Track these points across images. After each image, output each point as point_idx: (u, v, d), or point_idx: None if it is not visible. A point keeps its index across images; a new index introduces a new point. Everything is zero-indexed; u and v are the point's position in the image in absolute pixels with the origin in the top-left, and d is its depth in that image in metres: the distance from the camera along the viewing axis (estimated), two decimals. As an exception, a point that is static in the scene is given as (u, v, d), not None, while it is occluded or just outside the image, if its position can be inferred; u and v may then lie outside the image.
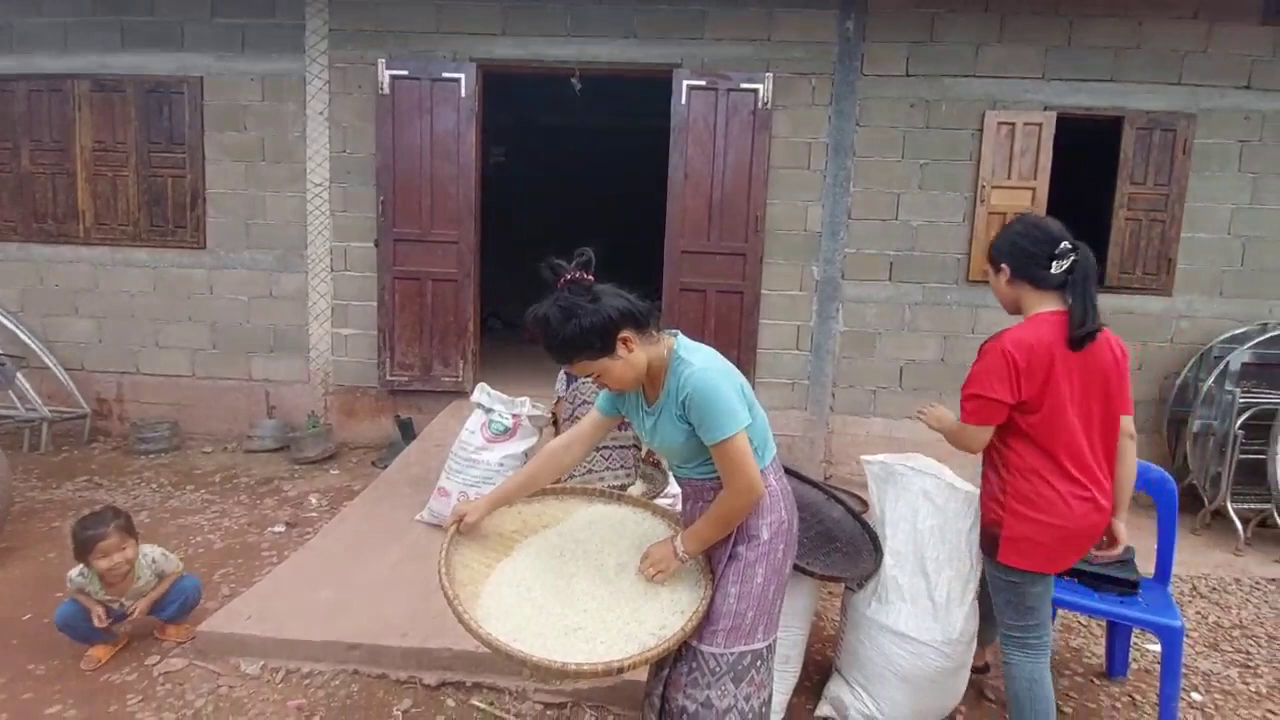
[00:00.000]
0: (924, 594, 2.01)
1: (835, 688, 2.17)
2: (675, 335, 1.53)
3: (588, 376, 1.50)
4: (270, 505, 3.68)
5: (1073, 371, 1.69)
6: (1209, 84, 4.14)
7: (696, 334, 1.60)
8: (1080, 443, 1.71)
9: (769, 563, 1.53)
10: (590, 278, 1.46)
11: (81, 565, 2.24)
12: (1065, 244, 1.71)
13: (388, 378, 4.60)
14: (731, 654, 1.49)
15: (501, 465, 2.96)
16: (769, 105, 4.21)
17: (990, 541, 1.80)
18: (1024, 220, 1.83)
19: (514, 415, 3.04)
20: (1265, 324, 4.05)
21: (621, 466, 2.54)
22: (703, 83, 4.22)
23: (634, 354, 1.45)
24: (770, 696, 1.58)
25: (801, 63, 4.23)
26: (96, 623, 2.21)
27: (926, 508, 2.03)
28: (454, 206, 4.46)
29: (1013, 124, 4.19)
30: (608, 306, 1.42)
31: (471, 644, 2.20)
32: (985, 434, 1.77)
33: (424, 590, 2.56)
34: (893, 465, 2.12)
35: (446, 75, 4.32)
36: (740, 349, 4.34)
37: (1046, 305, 1.74)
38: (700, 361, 1.46)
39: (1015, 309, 1.85)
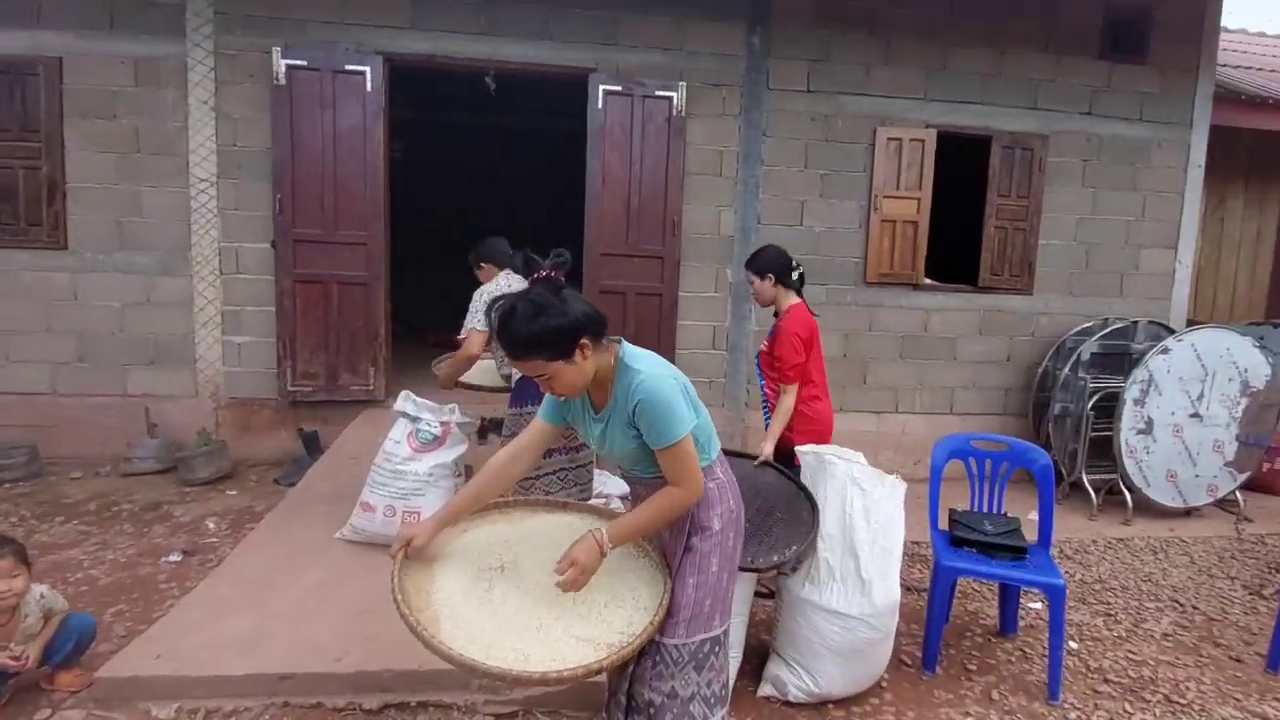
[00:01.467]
0: (853, 572, 2.18)
1: (774, 667, 2.30)
2: (620, 342, 1.55)
3: (536, 377, 1.47)
4: (161, 533, 3.35)
5: (818, 336, 2.77)
6: (1058, 109, 4.74)
7: (618, 333, 1.63)
8: (824, 379, 2.83)
9: (722, 552, 1.60)
10: (563, 279, 1.47)
11: None
12: (794, 260, 2.78)
13: (289, 388, 4.31)
14: (693, 643, 1.54)
15: (431, 475, 2.87)
16: (683, 113, 4.35)
17: (787, 449, 2.61)
18: (774, 247, 2.84)
19: (443, 423, 2.96)
20: (1106, 319, 4.70)
21: (576, 485, 2.53)
22: (619, 88, 4.29)
23: (586, 362, 1.46)
24: (727, 679, 1.66)
25: (713, 73, 4.40)
26: (9, 661, 1.98)
27: (854, 492, 2.21)
28: (361, 206, 4.25)
29: (900, 140, 4.59)
30: (576, 310, 1.42)
31: (413, 663, 2.18)
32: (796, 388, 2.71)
33: (352, 612, 2.46)
34: (823, 455, 2.29)
35: (350, 68, 4.12)
36: (660, 349, 4.32)
37: (791, 299, 2.76)
38: (648, 369, 1.48)
39: (770, 302, 2.80)
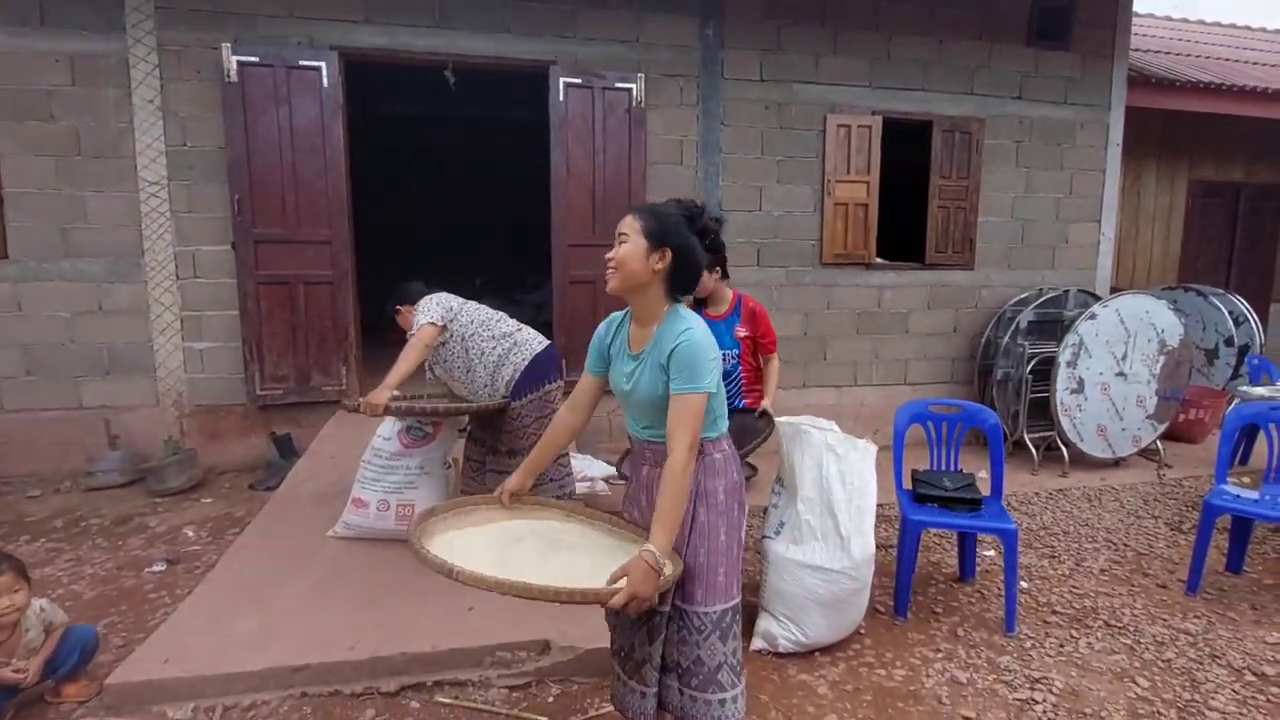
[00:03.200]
0: (832, 530, 2.37)
1: (764, 623, 2.48)
2: (680, 301, 1.66)
3: (619, 235, 1.58)
4: (138, 544, 3.29)
5: None
6: (992, 94, 5.05)
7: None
8: None
9: (728, 521, 1.70)
10: (710, 238, 1.64)
11: None
12: None
13: (258, 392, 4.25)
14: (714, 612, 1.60)
15: (423, 468, 2.93)
16: (643, 104, 4.44)
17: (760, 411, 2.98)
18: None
19: (434, 422, 3.01)
20: (1041, 290, 5.07)
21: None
22: (579, 80, 4.34)
23: (651, 274, 1.55)
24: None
25: (670, 65, 4.51)
26: (14, 675, 1.98)
27: (829, 457, 2.40)
28: (323, 204, 4.20)
29: (849, 126, 4.81)
30: (692, 241, 1.59)
31: (426, 646, 2.27)
32: None
33: (359, 603, 2.52)
34: (799, 424, 2.47)
35: (305, 63, 4.04)
36: (630, 336, 4.56)
37: (726, 287, 3.12)
38: (698, 324, 1.58)
39: (708, 292, 3.03)
